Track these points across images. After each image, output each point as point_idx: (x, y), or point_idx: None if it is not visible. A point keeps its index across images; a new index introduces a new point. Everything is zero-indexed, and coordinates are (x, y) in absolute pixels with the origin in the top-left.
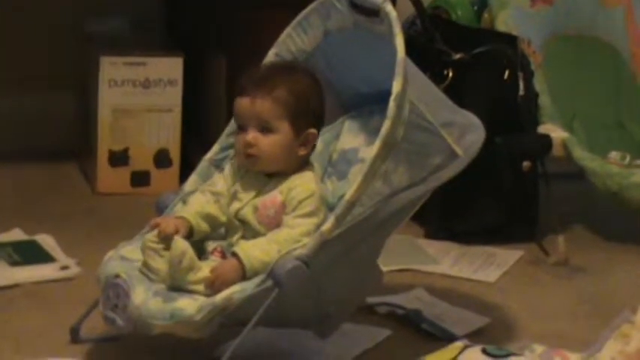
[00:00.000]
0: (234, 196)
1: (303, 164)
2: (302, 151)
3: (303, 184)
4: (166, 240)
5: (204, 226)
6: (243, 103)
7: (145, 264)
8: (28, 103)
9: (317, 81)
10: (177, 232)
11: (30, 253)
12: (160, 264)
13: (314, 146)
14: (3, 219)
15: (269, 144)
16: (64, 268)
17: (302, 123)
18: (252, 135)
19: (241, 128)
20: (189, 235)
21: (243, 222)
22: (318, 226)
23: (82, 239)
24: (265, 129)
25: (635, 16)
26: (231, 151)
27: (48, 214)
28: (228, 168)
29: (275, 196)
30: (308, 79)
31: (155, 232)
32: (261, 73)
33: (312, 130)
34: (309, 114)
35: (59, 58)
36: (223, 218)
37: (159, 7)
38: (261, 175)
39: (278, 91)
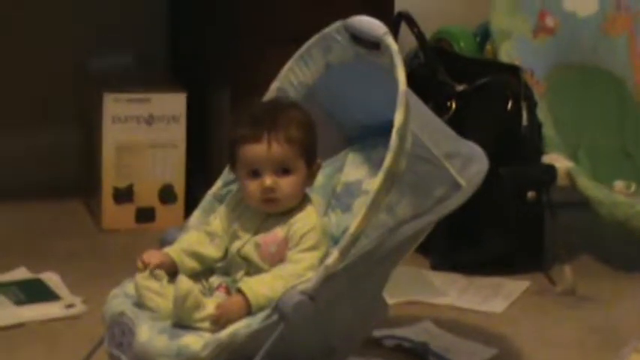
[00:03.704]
0: (234, 235)
1: (303, 198)
2: (309, 184)
3: (303, 218)
4: (152, 273)
5: (190, 263)
6: (257, 150)
7: (143, 305)
8: (33, 140)
9: (306, 111)
10: (161, 264)
11: (35, 292)
12: (157, 302)
13: None
14: (8, 258)
15: (289, 185)
16: (70, 306)
17: (312, 157)
18: (271, 180)
19: (254, 174)
20: (174, 271)
21: (246, 259)
22: (322, 259)
23: (87, 277)
24: (283, 171)
25: (637, 44)
26: (233, 186)
27: (53, 252)
28: (224, 207)
29: (276, 232)
30: (302, 112)
31: (145, 273)
32: (261, 116)
33: (319, 161)
34: (315, 146)
35: (63, 95)
36: (217, 256)
37: (162, 43)
38: (260, 212)
39: (289, 130)
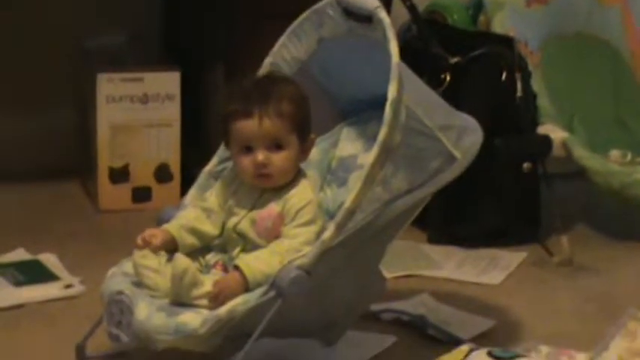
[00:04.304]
0: (230, 212)
1: (297, 173)
2: (303, 159)
3: (298, 194)
4: (154, 251)
5: (189, 240)
6: (248, 125)
7: (141, 284)
8: (28, 121)
9: (299, 85)
10: (163, 244)
11: (34, 273)
12: (155, 281)
13: None
14: (6, 239)
15: (281, 160)
16: (68, 286)
17: (305, 132)
18: (263, 155)
19: (247, 149)
20: (173, 248)
21: (242, 235)
22: (318, 233)
23: (85, 257)
24: (275, 146)
25: (632, 13)
26: (229, 163)
27: (51, 233)
28: (219, 183)
29: (271, 208)
30: (295, 86)
31: (143, 251)
32: (252, 91)
33: (312, 136)
34: (309, 120)
35: (57, 76)
36: (215, 232)
37: (155, 22)
38: (255, 188)
39: (281, 105)
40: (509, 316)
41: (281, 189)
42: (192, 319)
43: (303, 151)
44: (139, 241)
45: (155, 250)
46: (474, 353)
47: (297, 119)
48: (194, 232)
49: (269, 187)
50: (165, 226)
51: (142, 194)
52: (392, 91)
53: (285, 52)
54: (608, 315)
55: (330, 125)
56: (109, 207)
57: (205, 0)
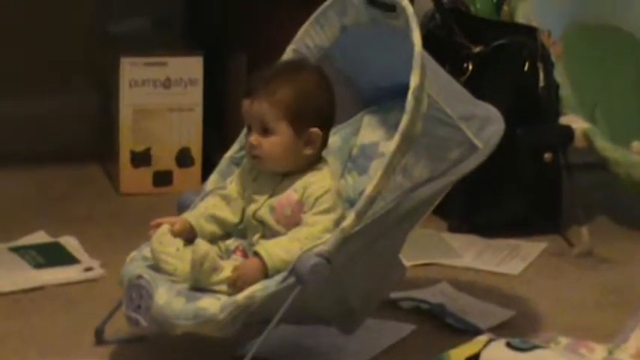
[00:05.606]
0: (249, 198)
1: (315, 162)
2: (308, 151)
3: (318, 181)
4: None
5: (209, 227)
6: (245, 104)
7: (160, 269)
8: (50, 104)
9: (324, 79)
10: (180, 232)
11: (54, 255)
12: (174, 266)
13: (323, 144)
14: (27, 221)
15: (269, 145)
16: (88, 269)
17: (302, 123)
18: (254, 137)
19: (248, 129)
20: (192, 237)
21: (262, 222)
22: (337, 221)
23: (105, 240)
24: (266, 130)
25: None
26: None
27: (71, 215)
28: (239, 171)
29: (290, 194)
30: (314, 78)
31: (158, 236)
32: (266, 74)
33: (314, 130)
34: (311, 114)
35: (81, 59)
36: (235, 220)
37: (179, 6)
38: (275, 174)
39: (277, 92)
40: (528, 307)
41: (300, 176)
42: (212, 304)
43: (307, 144)
44: (153, 225)
45: (176, 234)
46: (492, 343)
47: (292, 109)
48: (213, 219)
49: (289, 174)
50: (184, 215)
51: (163, 178)
52: (414, 80)
53: (308, 40)
54: (627, 307)
55: (352, 113)
56: (129, 190)
57: None
